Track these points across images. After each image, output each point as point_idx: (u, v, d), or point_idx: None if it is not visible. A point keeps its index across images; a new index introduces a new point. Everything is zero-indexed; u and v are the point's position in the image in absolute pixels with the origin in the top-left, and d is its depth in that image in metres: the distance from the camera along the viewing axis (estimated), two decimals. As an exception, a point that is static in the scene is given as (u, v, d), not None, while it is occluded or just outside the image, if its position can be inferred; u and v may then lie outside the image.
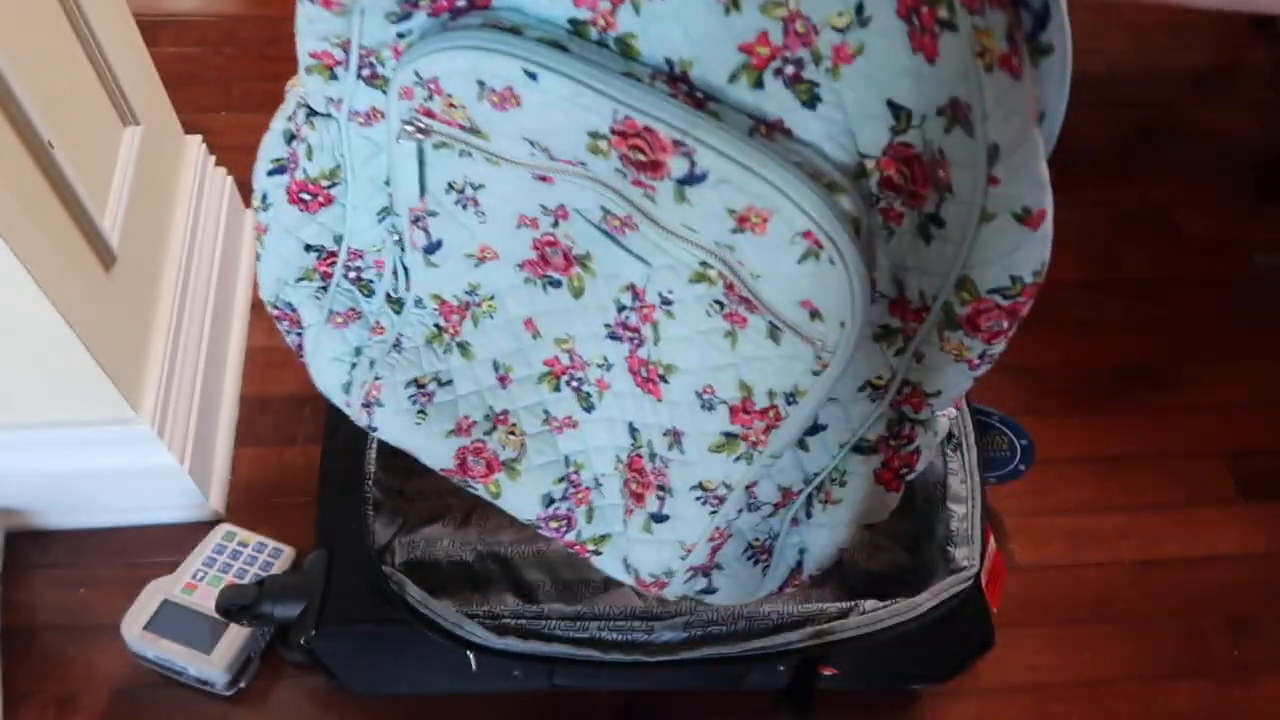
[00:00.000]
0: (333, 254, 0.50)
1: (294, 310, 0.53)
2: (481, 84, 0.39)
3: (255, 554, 0.83)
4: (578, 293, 0.47)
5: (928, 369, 0.43)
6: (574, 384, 0.50)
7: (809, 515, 0.50)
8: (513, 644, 0.67)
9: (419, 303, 0.50)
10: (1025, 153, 0.34)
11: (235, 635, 0.77)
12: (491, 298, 0.49)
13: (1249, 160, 1.29)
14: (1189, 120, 1.35)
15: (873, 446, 0.47)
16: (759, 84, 0.37)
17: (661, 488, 0.50)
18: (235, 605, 0.69)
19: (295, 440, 0.95)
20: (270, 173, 0.48)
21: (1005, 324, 0.40)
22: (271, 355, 1.01)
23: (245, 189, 1.10)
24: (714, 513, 0.49)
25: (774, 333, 0.41)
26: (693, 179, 0.38)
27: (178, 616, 0.77)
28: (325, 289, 0.52)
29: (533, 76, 0.37)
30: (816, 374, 0.41)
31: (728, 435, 0.46)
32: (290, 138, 0.47)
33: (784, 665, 0.67)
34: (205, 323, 0.92)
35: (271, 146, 0.48)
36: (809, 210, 0.36)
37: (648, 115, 0.37)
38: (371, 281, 0.51)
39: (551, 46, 0.37)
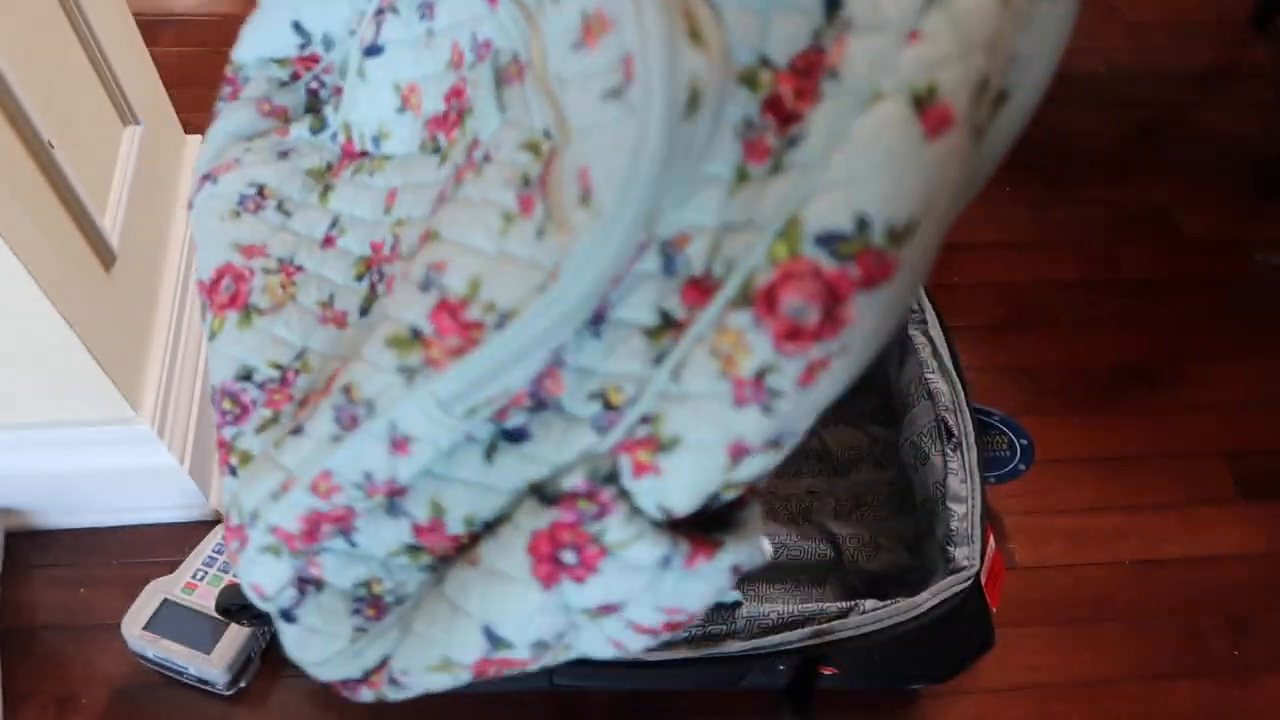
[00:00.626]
0: (315, 57, 0.47)
1: (244, 84, 0.49)
2: None
3: (255, 554, 0.83)
4: (444, 159, 0.40)
5: (678, 394, 0.31)
6: (373, 279, 0.43)
7: (443, 582, 0.39)
8: (512, 644, 0.67)
9: (334, 136, 0.46)
10: (978, 2, 0.25)
11: (235, 635, 0.77)
12: (387, 158, 0.44)
13: (1249, 160, 1.29)
14: (1189, 120, 1.35)
15: (556, 498, 0.35)
16: None
17: (326, 394, 0.39)
18: (235, 605, 0.69)
19: (295, 440, 0.95)
20: None
21: (813, 316, 0.27)
22: (271, 355, 1.01)
23: (245, 189, 1.10)
24: (336, 440, 0.37)
25: (540, 231, 0.32)
26: None
27: (178, 616, 0.77)
28: (286, 85, 0.48)
29: None
30: (540, 289, 0.31)
31: (414, 331, 0.34)
32: None
33: (784, 665, 0.67)
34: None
35: None
36: (646, 27, 0.27)
37: None
38: (321, 100, 0.48)
39: None
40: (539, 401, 0.34)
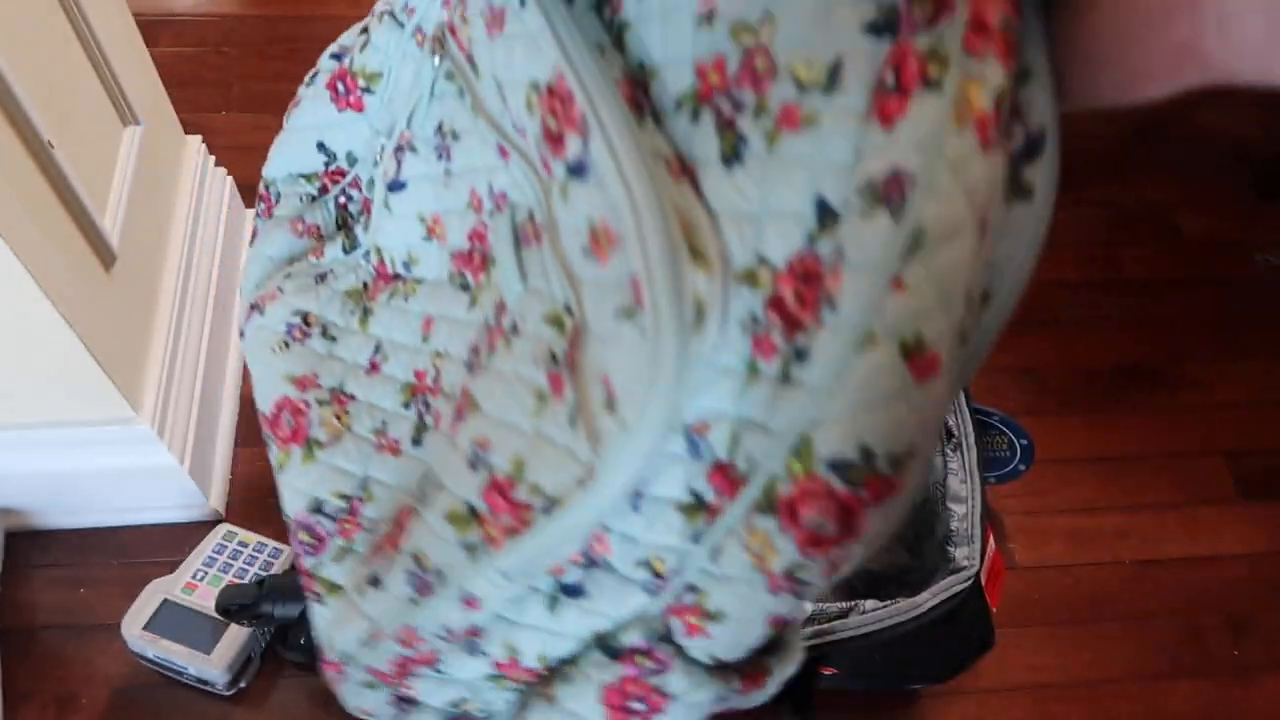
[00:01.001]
0: (341, 172, 0.49)
1: (277, 199, 0.51)
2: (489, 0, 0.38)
3: (255, 554, 0.83)
4: (473, 301, 0.43)
5: (719, 573, 0.33)
6: (421, 407, 0.46)
7: (525, 707, 0.42)
8: (512, 644, 0.67)
9: (366, 254, 0.49)
10: (954, 253, 0.26)
11: (235, 635, 0.77)
12: (419, 282, 0.46)
13: (1249, 160, 1.29)
14: (1189, 120, 1.35)
15: (619, 653, 0.38)
16: (696, 117, 0.32)
17: (398, 547, 0.43)
18: (235, 605, 0.69)
19: (295, 440, 0.95)
20: (332, 55, 0.48)
21: (831, 527, 0.29)
22: (271, 355, 1.02)
23: (245, 189, 1.10)
24: (415, 603, 0.40)
25: (573, 418, 0.35)
26: (578, 169, 0.34)
27: (178, 616, 0.77)
28: (315, 199, 0.50)
29: (522, 3, 0.36)
30: (580, 484, 0.34)
31: (470, 509, 0.38)
32: (364, 29, 0.46)
33: (784, 665, 0.67)
34: (205, 323, 0.92)
35: (346, 35, 0.47)
36: (649, 253, 0.30)
37: (575, 77, 0.33)
38: (351, 215, 0.50)
39: None
40: (590, 560, 0.36)
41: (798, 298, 0.29)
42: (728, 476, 0.32)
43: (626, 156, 0.31)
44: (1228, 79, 0.19)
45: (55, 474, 0.81)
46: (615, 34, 0.35)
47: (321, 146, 0.49)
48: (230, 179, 1.04)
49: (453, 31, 0.41)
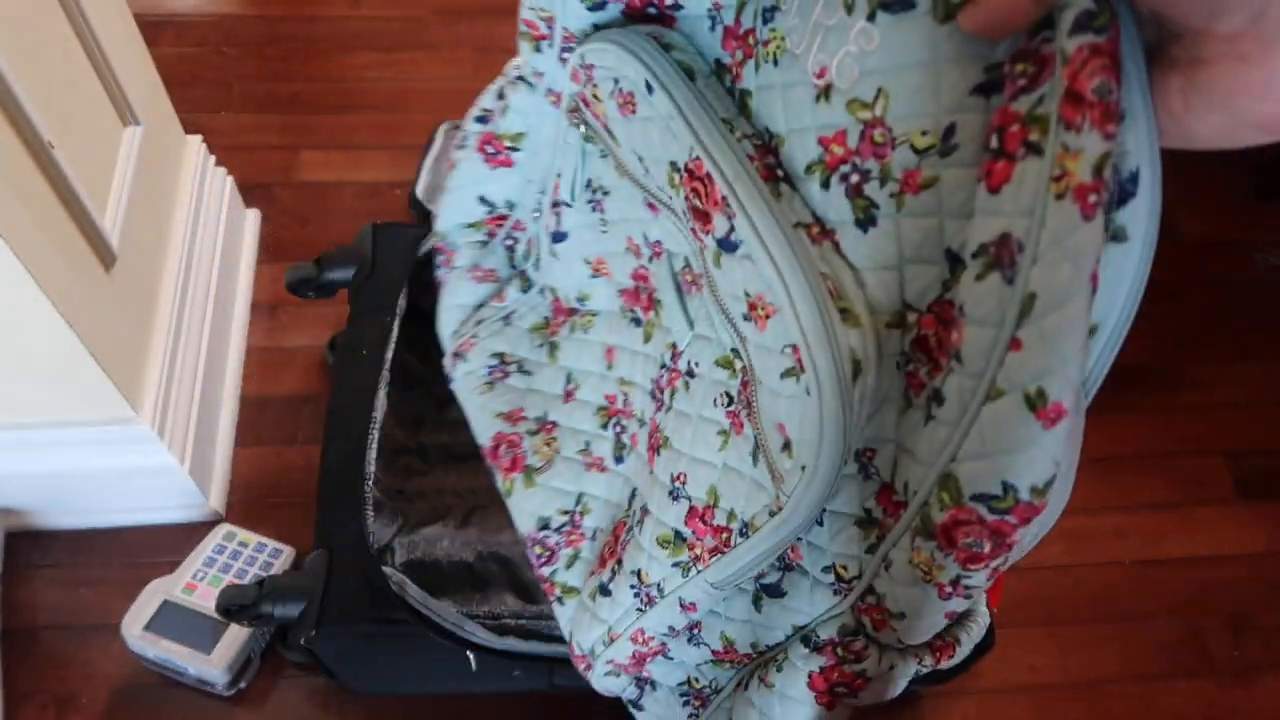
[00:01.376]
0: (503, 216, 0.53)
1: (454, 250, 0.56)
2: (616, 82, 0.41)
3: (255, 554, 0.83)
4: (647, 337, 0.48)
5: (893, 581, 0.37)
6: (617, 429, 0.51)
7: (746, 688, 0.47)
8: (513, 644, 0.68)
9: (541, 291, 0.54)
10: (1065, 315, 0.27)
11: (235, 635, 0.77)
12: (594, 315, 0.51)
13: (1249, 160, 1.29)
14: (1189, 120, 1.35)
15: (819, 646, 0.42)
16: (826, 184, 0.34)
17: (619, 561, 0.49)
18: (235, 605, 0.69)
19: (295, 440, 0.95)
20: (477, 119, 0.51)
21: (986, 546, 0.32)
22: (271, 355, 1.02)
23: (245, 189, 1.10)
24: (641, 611, 0.47)
25: (755, 453, 0.39)
26: (728, 244, 0.37)
27: (178, 616, 0.77)
28: (485, 244, 0.55)
29: (650, 89, 0.39)
30: (772, 515, 0.37)
31: (677, 535, 0.43)
32: (500, 95, 0.50)
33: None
34: (205, 323, 0.92)
35: (486, 98, 0.51)
36: (804, 324, 0.33)
37: (711, 162, 0.36)
38: (519, 255, 0.55)
39: (682, 71, 0.38)
40: (786, 564, 0.42)
41: (939, 339, 0.32)
42: (892, 499, 0.35)
43: (770, 235, 0.34)
44: None
45: (55, 474, 0.81)
46: (739, 100, 0.38)
47: (482, 199, 0.53)
48: (230, 179, 1.04)
49: (586, 104, 0.45)
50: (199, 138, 0.99)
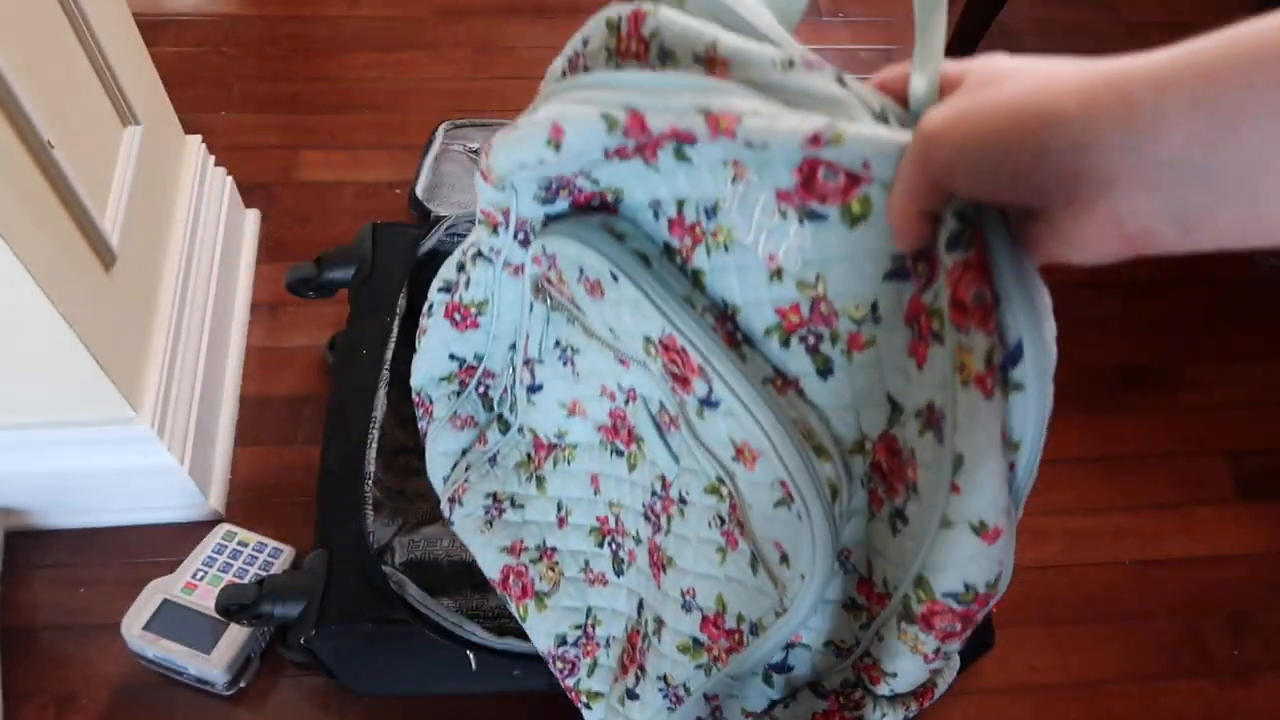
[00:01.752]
0: (472, 367, 0.58)
1: (431, 402, 0.60)
2: (581, 270, 0.46)
3: (255, 554, 0.83)
4: (631, 467, 0.53)
5: (886, 649, 0.43)
6: (613, 546, 0.56)
7: None
8: (513, 644, 0.68)
9: (520, 430, 0.58)
10: (987, 471, 0.34)
11: (235, 635, 0.77)
12: (574, 447, 0.56)
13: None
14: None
15: (824, 693, 0.49)
16: (786, 344, 0.41)
17: (641, 667, 0.54)
18: (235, 605, 0.69)
19: (295, 440, 0.95)
20: (440, 289, 0.55)
21: (958, 627, 0.39)
22: (271, 355, 1.02)
23: (245, 189, 1.10)
24: (671, 710, 0.53)
25: (754, 563, 0.45)
26: (709, 402, 0.43)
27: (178, 616, 0.77)
28: (459, 393, 0.59)
29: (615, 278, 0.44)
30: (778, 615, 0.44)
31: (695, 641, 0.50)
32: (460, 267, 0.54)
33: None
34: (205, 323, 0.92)
35: (447, 270, 0.55)
36: (788, 464, 0.40)
37: (684, 338, 0.42)
38: (494, 400, 0.59)
39: (638, 258, 0.44)
40: (790, 643, 0.47)
41: (890, 466, 0.39)
42: (873, 590, 0.43)
43: (746, 395, 0.41)
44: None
45: (55, 474, 0.81)
46: (692, 277, 0.44)
47: (452, 356, 0.58)
48: (230, 179, 1.04)
49: (550, 283, 0.49)
50: (199, 138, 0.99)
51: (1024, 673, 0.85)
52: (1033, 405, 0.35)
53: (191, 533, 0.86)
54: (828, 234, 0.36)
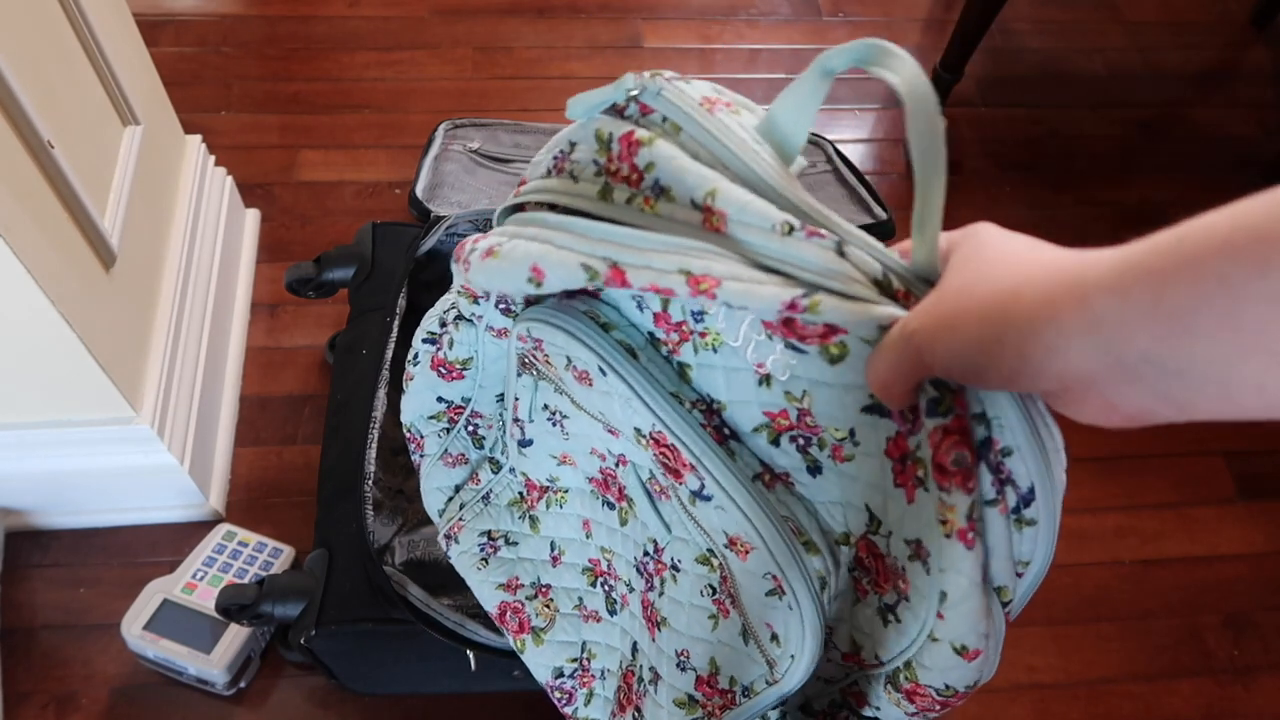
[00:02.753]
0: (460, 407, 0.58)
1: (421, 437, 0.61)
2: (569, 359, 0.46)
3: (255, 554, 0.83)
4: (623, 521, 0.53)
5: (873, 693, 0.46)
6: (606, 587, 0.57)
7: None
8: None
9: (512, 470, 0.58)
10: (968, 609, 0.37)
11: (235, 635, 0.77)
12: (565, 491, 0.57)
13: (1249, 160, 1.29)
14: (1189, 120, 1.35)
15: (814, 713, 0.52)
16: (775, 442, 0.42)
17: (638, 709, 0.56)
18: (235, 605, 0.69)
19: (295, 440, 0.95)
20: (424, 340, 0.56)
21: (938, 709, 0.42)
22: (271, 355, 1.02)
23: (245, 188, 1.10)
24: None
25: (745, 634, 0.46)
26: (702, 496, 0.44)
27: (178, 616, 0.77)
28: (448, 430, 0.60)
29: (603, 371, 0.44)
30: (769, 684, 0.46)
31: (690, 697, 0.51)
32: (443, 324, 0.55)
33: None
34: (205, 323, 0.92)
35: (430, 323, 0.56)
36: (780, 561, 0.42)
37: (675, 437, 0.43)
38: (484, 438, 0.60)
39: (625, 351, 0.44)
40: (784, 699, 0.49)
41: (874, 566, 0.41)
42: (862, 659, 0.45)
43: (737, 494, 0.42)
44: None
45: (55, 474, 0.81)
46: (678, 369, 0.44)
47: (440, 399, 0.58)
48: (230, 179, 1.04)
49: (536, 358, 0.49)
50: (199, 138, 0.99)
51: (1024, 673, 0.85)
52: (1044, 533, 0.37)
53: (191, 533, 0.86)
54: (809, 362, 0.37)
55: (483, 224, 0.87)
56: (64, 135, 0.67)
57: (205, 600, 0.77)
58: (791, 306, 0.34)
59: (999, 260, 0.30)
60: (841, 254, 0.34)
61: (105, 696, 0.80)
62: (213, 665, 0.76)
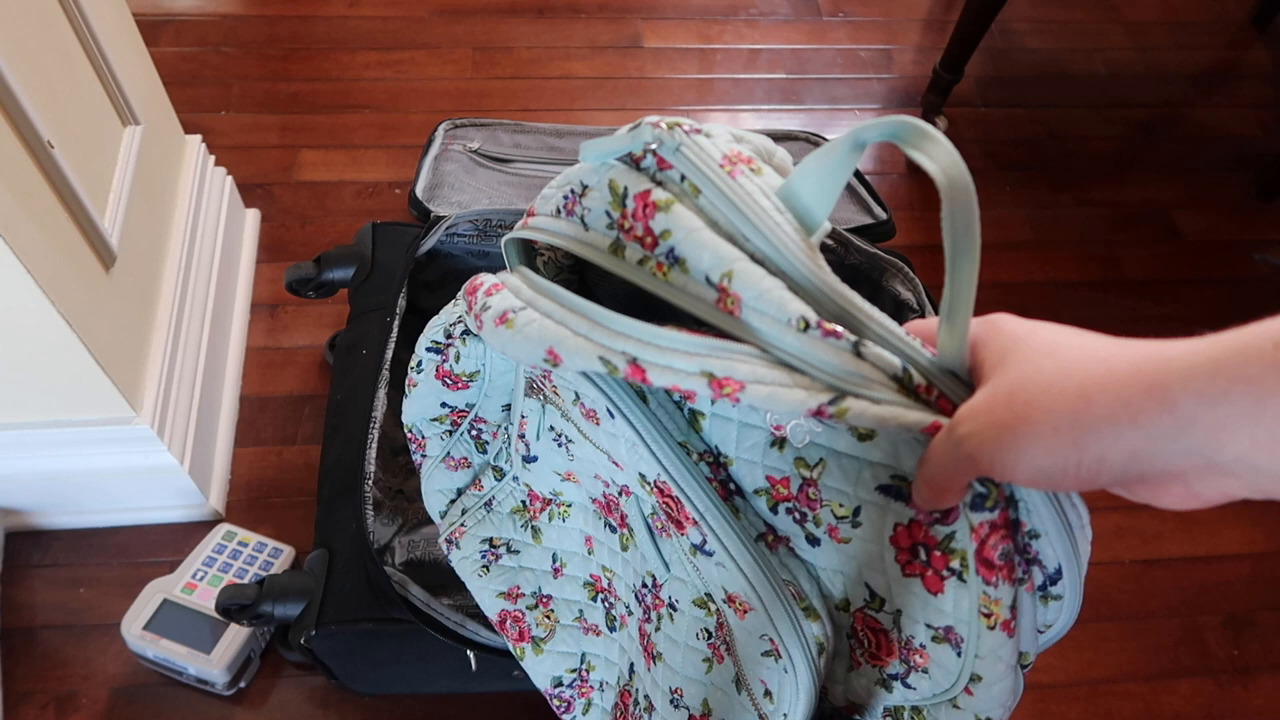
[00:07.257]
0: (464, 412, 0.58)
1: (423, 438, 0.60)
2: (577, 394, 0.45)
3: (255, 554, 0.83)
4: (624, 547, 0.53)
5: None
6: (606, 604, 0.57)
7: None
8: (513, 644, 0.67)
9: (515, 479, 0.58)
10: (1002, 689, 0.37)
11: (235, 635, 0.77)
12: (569, 505, 0.56)
13: (1249, 160, 1.29)
14: (1189, 120, 1.35)
15: None
16: (775, 510, 0.41)
17: None
18: (235, 605, 0.69)
19: (295, 440, 0.95)
20: (429, 349, 0.55)
21: None
22: (271, 355, 1.02)
23: (245, 189, 1.10)
24: None
25: (738, 683, 0.46)
26: (704, 550, 0.43)
27: (178, 616, 0.77)
28: (452, 433, 0.59)
29: (611, 414, 0.43)
30: None
31: None
32: (448, 335, 0.54)
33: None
34: (205, 323, 0.92)
35: (435, 332, 0.55)
36: (778, 627, 0.41)
37: (679, 489, 0.42)
38: (487, 443, 0.59)
39: (635, 395, 0.43)
40: None
41: (871, 640, 0.41)
42: (861, 711, 0.44)
43: (739, 554, 0.42)
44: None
45: (55, 474, 0.81)
46: (689, 416, 0.43)
47: (443, 404, 0.58)
48: (230, 179, 1.04)
49: (544, 387, 0.49)
50: (199, 138, 0.99)
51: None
52: (1068, 605, 0.37)
53: (191, 533, 0.86)
54: (834, 434, 0.37)
55: (482, 224, 0.87)
56: (64, 135, 0.67)
57: (205, 600, 0.77)
58: (819, 413, 0.33)
59: (1047, 358, 0.30)
60: (859, 354, 0.33)
61: (105, 696, 0.80)
62: (213, 665, 0.76)
